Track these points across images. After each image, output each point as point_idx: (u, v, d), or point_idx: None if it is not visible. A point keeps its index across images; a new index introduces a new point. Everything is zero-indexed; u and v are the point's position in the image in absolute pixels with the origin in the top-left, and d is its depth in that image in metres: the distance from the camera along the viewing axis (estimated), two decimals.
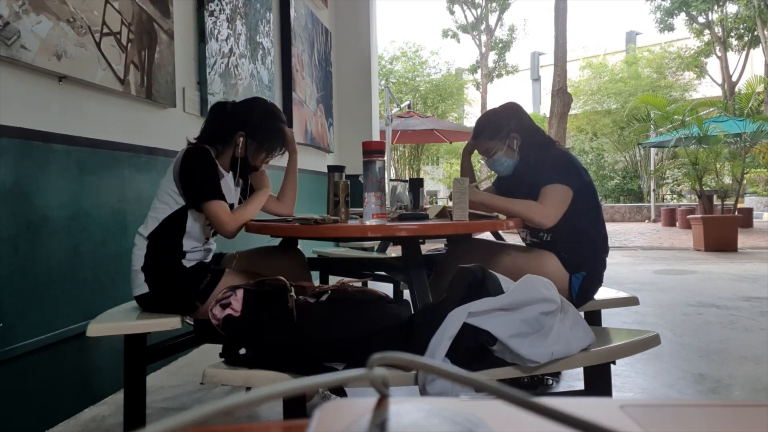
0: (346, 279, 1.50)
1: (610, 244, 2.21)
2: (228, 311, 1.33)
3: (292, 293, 1.35)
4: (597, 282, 2.12)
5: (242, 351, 1.41)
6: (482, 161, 2.29)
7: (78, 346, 2.14)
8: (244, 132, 1.97)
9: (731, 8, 18.54)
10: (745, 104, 8.77)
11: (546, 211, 1.97)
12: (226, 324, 1.32)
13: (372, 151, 1.79)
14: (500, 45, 22.96)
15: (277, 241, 2.25)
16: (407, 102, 12.08)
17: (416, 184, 2.49)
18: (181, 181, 1.87)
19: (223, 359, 1.40)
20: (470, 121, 21.82)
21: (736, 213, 8.50)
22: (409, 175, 17.83)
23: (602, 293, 2.20)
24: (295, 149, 2.17)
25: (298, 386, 0.28)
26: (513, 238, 3.17)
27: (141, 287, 1.85)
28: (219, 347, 2.25)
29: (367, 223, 1.80)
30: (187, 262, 1.89)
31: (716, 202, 8.90)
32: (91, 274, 2.21)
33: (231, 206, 2.01)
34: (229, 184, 2.01)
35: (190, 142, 1.99)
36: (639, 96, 11.21)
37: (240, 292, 1.36)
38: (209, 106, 3.08)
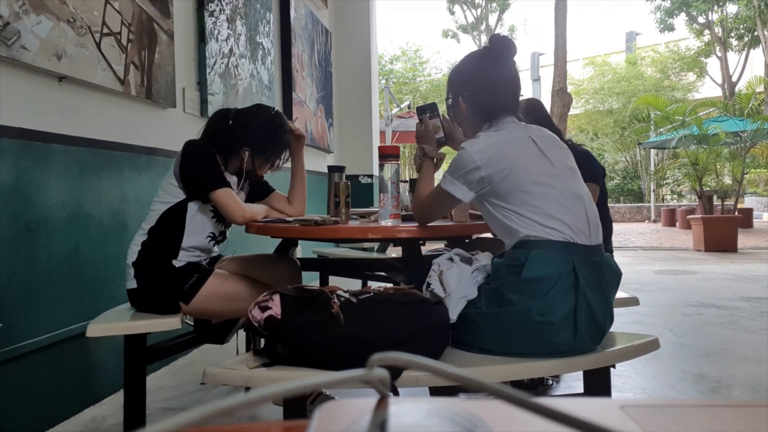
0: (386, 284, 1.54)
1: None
2: (269, 313, 1.34)
3: (335, 299, 1.36)
4: None
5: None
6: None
7: (78, 346, 2.14)
8: (249, 148, 1.95)
9: (731, 8, 18.54)
10: (746, 104, 8.76)
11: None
12: (267, 324, 1.34)
13: (387, 154, 1.87)
14: None
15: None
16: (407, 102, 12.08)
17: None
18: (182, 175, 1.85)
19: (255, 356, 1.40)
20: None
21: (736, 213, 8.51)
22: (409, 175, 17.83)
23: None
24: (300, 150, 2.14)
25: (297, 386, 0.28)
26: None
27: (131, 281, 1.85)
28: (219, 347, 2.25)
29: (382, 223, 1.82)
30: (178, 262, 1.87)
31: (716, 202, 8.90)
32: (91, 274, 2.21)
33: None
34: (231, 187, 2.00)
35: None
36: (640, 96, 11.22)
37: (276, 297, 1.37)
38: (209, 107, 3.10)
